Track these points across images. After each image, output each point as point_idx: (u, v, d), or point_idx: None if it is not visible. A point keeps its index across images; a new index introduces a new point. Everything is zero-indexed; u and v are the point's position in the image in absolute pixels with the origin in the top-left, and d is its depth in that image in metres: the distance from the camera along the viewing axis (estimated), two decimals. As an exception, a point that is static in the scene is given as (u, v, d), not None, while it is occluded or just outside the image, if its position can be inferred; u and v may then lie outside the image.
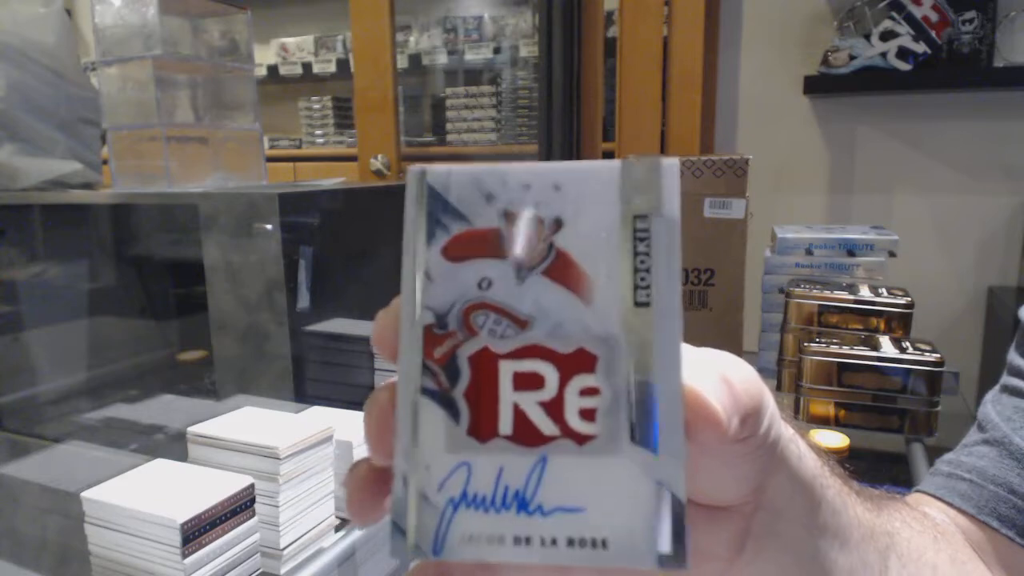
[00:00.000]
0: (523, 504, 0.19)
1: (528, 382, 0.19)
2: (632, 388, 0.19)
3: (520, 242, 0.20)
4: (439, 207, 0.20)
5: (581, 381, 0.19)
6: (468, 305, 0.20)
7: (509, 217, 0.20)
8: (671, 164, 0.20)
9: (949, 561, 0.36)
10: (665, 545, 0.18)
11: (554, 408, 0.19)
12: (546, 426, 0.19)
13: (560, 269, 0.20)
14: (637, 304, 0.19)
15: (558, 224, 0.20)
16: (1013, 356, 0.48)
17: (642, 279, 0.19)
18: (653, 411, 0.19)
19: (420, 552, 0.19)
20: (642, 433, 0.19)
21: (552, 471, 0.19)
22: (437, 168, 0.21)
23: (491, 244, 0.20)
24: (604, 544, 0.18)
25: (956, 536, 0.42)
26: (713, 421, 0.20)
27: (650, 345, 0.19)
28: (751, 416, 0.21)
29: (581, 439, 0.19)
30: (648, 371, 0.19)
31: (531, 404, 0.19)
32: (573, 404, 0.19)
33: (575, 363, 0.19)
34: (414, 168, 0.21)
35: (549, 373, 0.19)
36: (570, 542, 0.18)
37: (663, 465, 0.18)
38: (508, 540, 0.18)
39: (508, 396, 0.19)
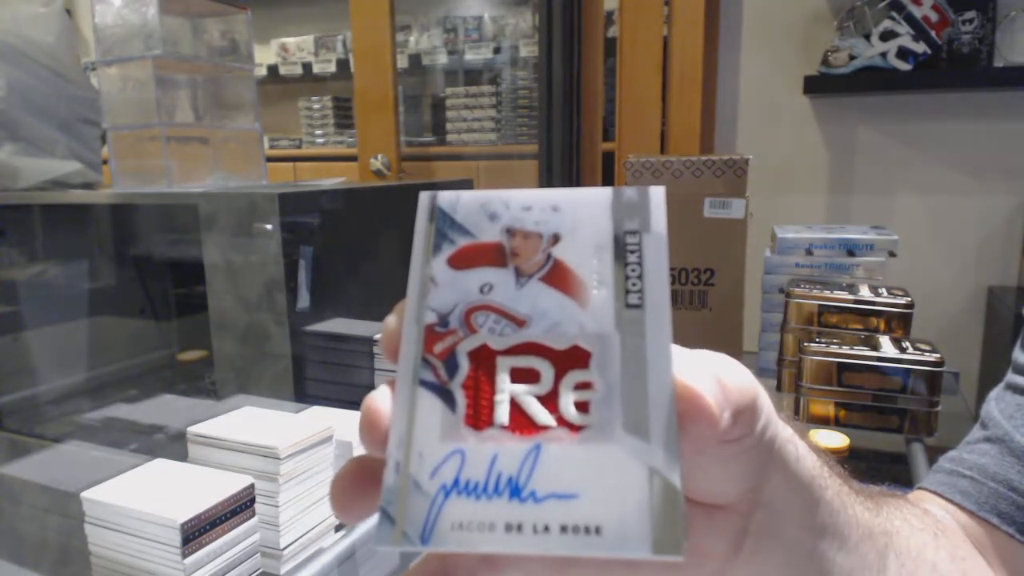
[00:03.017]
0: (516, 490, 0.19)
1: (525, 376, 0.20)
2: (624, 381, 0.19)
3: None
4: (447, 224, 0.22)
5: (576, 376, 0.20)
6: (470, 307, 0.21)
7: (511, 233, 0.22)
8: (657, 190, 0.22)
9: (949, 558, 0.36)
10: (660, 532, 0.18)
11: (549, 400, 0.20)
12: (541, 416, 0.19)
13: (557, 275, 0.21)
14: (628, 306, 0.20)
15: (556, 238, 0.22)
16: (1017, 354, 0.48)
17: (633, 284, 0.20)
18: (645, 401, 0.19)
19: (407, 540, 0.18)
20: (634, 422, 0.19)
21: (546, 459, 0.19)
22: (447, 192, 0.23)
23: (493, 255, 0.21)
24: (598, 531, 0.18)
25: (957, 533, 0.42)
26: (704, 413, 0.20)
27: (642, 341, 0.20)
28: (744, 413, 0.21)
29: (575, 429, 0.19)
30: (640, 364, 0.19)
31: (527, 396, 0.20)
32: (568, 397, 0.20)
33: (570, 359, 0.20)
34: (426, 193, 0.23)
35: (545, 368, 0.20)
36: (563, 529, 0.18)
37: (655, 452, 0.18)
38: (499, 527, 0.18)
39: (505, 389, 0.20)
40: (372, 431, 0.20)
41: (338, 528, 0.72)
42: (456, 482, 0.19)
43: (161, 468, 0.65)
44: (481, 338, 0.20)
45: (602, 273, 0.21)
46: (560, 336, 0.20)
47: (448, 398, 0.20)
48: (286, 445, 0.65)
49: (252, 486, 0.63)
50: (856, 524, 0.28)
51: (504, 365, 0.20)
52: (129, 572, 0.60)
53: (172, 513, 0.57)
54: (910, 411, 0.84)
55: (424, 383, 0.20)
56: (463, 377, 0.20)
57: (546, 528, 0.18)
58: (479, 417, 0.20)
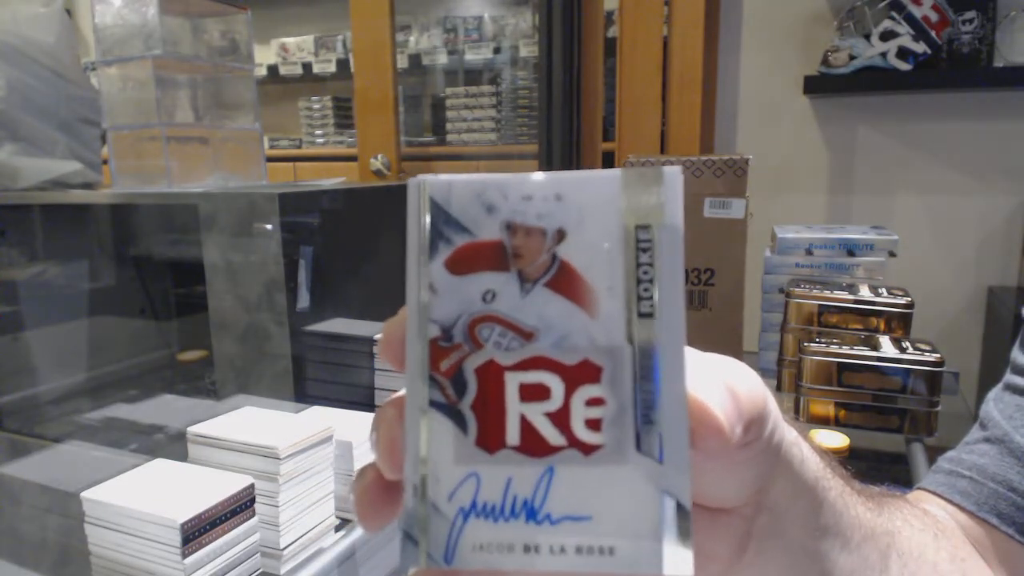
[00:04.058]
0: (532, 513, 0.19)
1: (534, 393, 0.20)
2: (637, 398, 0.19)
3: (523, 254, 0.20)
4: (441, 219, 0.20)
5: (586, 392, 0.19)
6: (473, 318, 0.20)
7: (511, 229, 0.20)
8: (673, 172, 0.20)
9: (949, 559, 0.36)
10: (670, 552, 0.18)
11: (560, 419, 0.19)
12: (553, 436, 0.19)
13: (563, 281, 0.20)
14: (640, 315, 0.19)
15: (560, 235, 0.20)
16: (1016, 354, 0.48)
17: (645, 290, 0.19)
18: (658, 421, 0.19)
19: (432, 561, 0.19)
20: (647, 443, 0.19)
21: (559, 481, 0.19)
22: (438, 179, 0.20)
23: (494, 257, 0.20)
24: (611, 551, 0.18)
25: (956, 533, 0.42)
26: (716, 430, 0.20)
27: (654, 356, 0.19)
28: (754, 423, 0.22)
29: (587, 449, 0.19)
30: (652, 381, 0.19)
31: (537, 415, 0.19)
32: (579, 414, 0.19)
33: (580, 374, 0.19)
34: (414, 179, 0.21)
35: (555, 384, 0.19)
36: (578, 550, 0.19)
37: (668, 474, 0.19)
38: (518, 548, 0.19)
39: (515, 407, 0.20)
40: (390, 458, 0.21)
41: (338, 528, 0.72)
42: (474, 505, 0.19)
43: (161, 468, 0.65)
44: (487, 353, 0.20)
45: (612, 277, 0.19)
46: (569, 350, 0.19)
47: (459, 419, 0.20)
48: (286, 445, 0.65)
49: (252, 486, 0.63)
50: (858, 525, 0.29)
51: (513, 381, 0.20)
52: (129, 572, 0.60)
53: (172, 513, 0.57)
54: (910, 411, 0.84)
55: (434, 403, 0.20)
56: (471, 397, 0.20)
57: (562, 549, 0.19)
58: (491, 438, 0.19)
